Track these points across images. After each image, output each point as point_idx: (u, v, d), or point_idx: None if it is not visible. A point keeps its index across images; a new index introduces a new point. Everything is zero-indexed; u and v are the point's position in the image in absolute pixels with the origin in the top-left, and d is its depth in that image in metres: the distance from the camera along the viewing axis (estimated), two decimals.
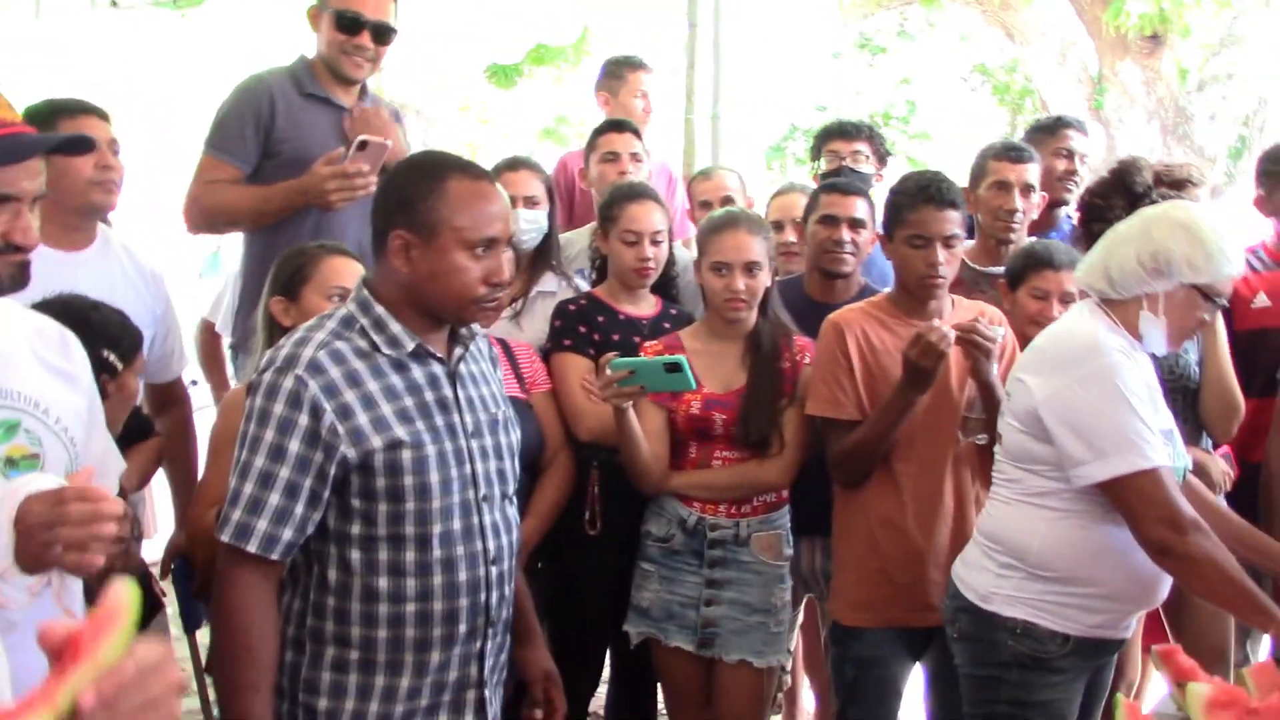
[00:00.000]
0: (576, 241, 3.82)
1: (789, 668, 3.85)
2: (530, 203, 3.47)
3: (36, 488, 1.66)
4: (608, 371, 2.91)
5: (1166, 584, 2.61)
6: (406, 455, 2.06)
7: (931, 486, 2.98)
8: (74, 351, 2.07)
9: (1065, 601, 2.55)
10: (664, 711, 3.64)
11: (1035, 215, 3.71)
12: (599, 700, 3.79)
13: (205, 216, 3.48)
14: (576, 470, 3.28)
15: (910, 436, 2.96)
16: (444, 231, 2.07)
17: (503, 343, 3.24)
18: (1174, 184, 3.48)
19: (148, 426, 3.04)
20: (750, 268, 3.07)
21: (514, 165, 3.57)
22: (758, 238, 3.10)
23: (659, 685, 3.45)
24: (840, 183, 3.64)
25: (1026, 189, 3.64)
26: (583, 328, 3.33)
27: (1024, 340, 2.91)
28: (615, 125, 4.16)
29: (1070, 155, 3.98)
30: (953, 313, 3.07)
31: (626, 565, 3.21)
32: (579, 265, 3.72)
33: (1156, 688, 3.73)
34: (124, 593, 0.98)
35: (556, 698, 2.43)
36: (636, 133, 4.08)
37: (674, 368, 2.91)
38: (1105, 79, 9.21)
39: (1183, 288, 2.51)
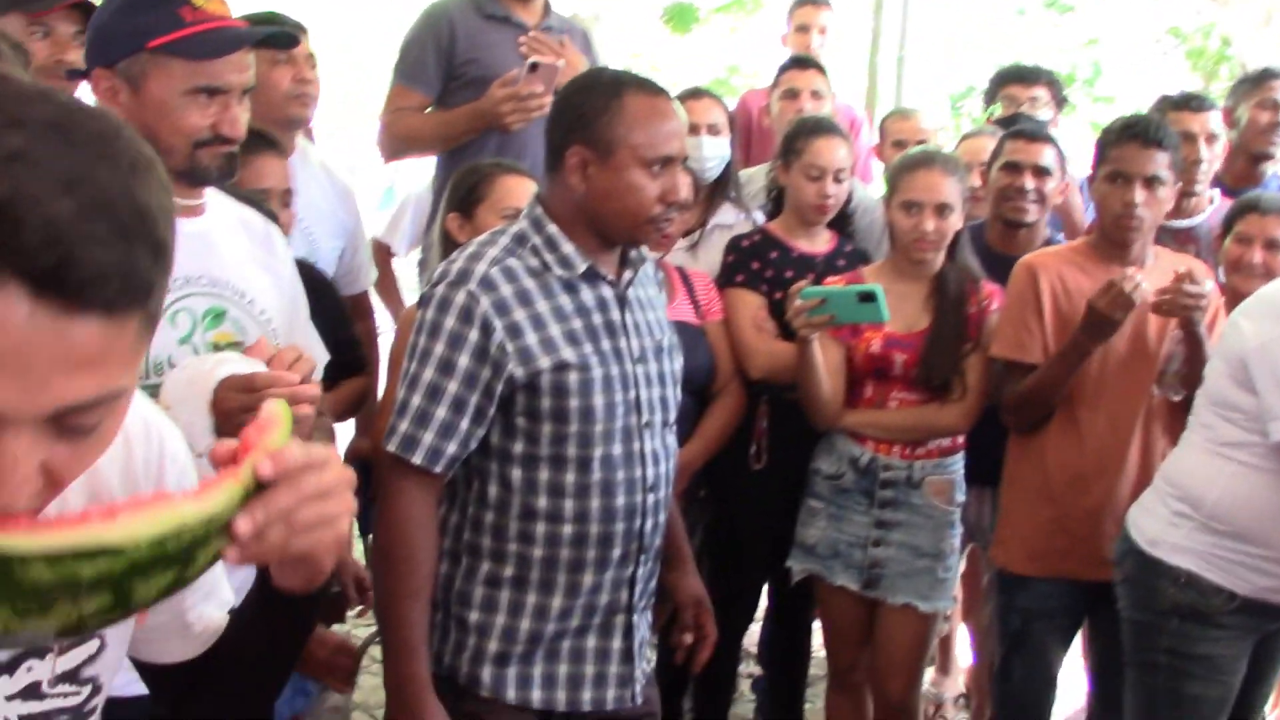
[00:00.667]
0: (756, 179, 3.78)
1: (949, 615, 3.79)
2: (713, 130, 3.44)
3: (232, 369, 1.71)
4: (798, 301, 2.88)
5: None
6: (573, 377, 2.05)
7: (1117, 438, 2.89)
8: (277, 244, 2.13)
9: (1235, 558, 2.47)
10: (816, 651, 3.65)
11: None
12: (751, 637, 3.79)
13: (395, 143, 3.55)
14: (746, 403, 3.26)
15: (1099, 385, 2.87)
16: (620, 148, 2.04)
17: (680, 270, 3.24)
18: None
19: (361, 362, 3.03)
20: (941, 209, 3.00)
21: (696, 94, 3.55)
22: (952, 179, 3.03)
23: (814, 625, 3.44)
24: (1027, 129, 3.54)
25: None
26: (755, 263, 3.30)
27: (1227, 288, 2.80)
28: (798, 62, 4.12)
29: (1275, 107, 3.80)
30: (1155, 264, 2.97)
31: (788, 503, 3.19)
32: (758, 202, 3.69)
33: None
34: (276, 407, 1.00)
35: (707, 623, 2.41)
36: (820, 69, 4.02)
37: (868, 297, 2.86)
38: None
39: None
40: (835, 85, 4.26)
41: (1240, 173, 3.84)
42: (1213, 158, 3.56)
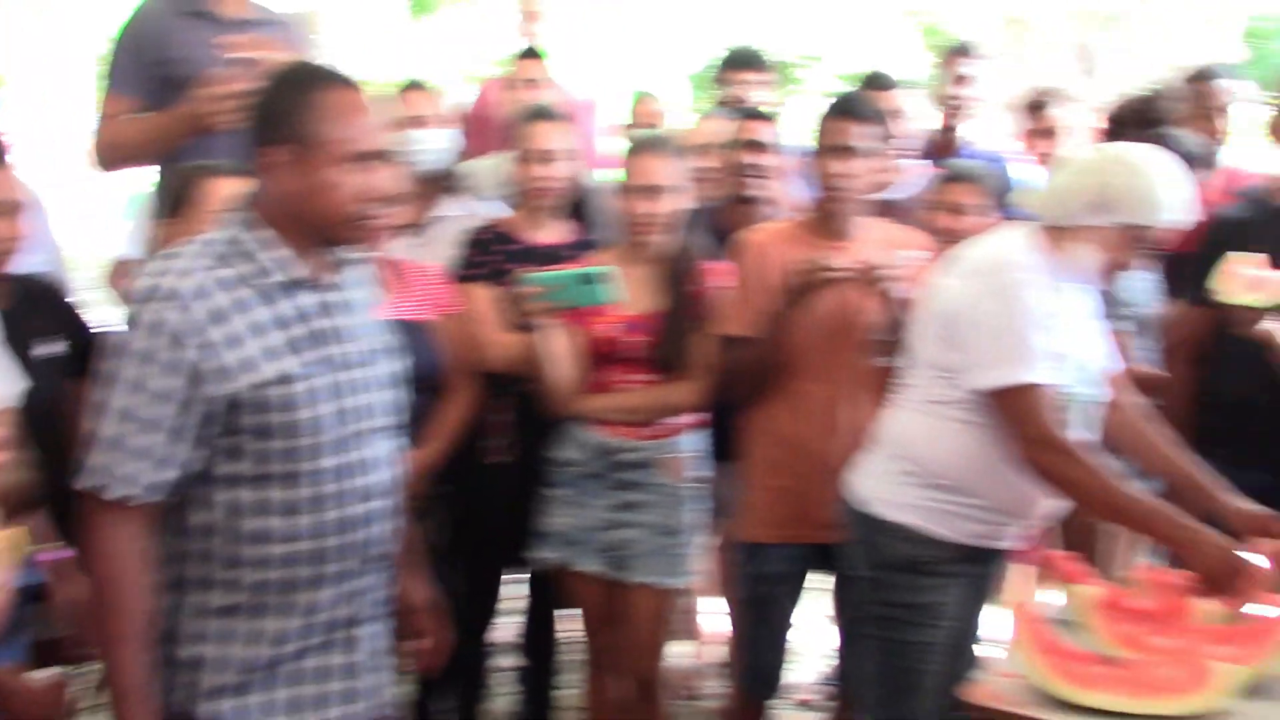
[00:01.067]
0: (486, 170, 3.77)
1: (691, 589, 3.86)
2: (428, 122, 3.42)
3: None
4: (521, 288, 2.89)
5: (1052, 503, 2.66)
6: (278, 391, 1.96)
7: (835, 406, 3.01)
8: None
9: (953, 510, 2.59)
10: (565, 640, 3.69)
11: None
12: (513, 630, 3.79)
13: (106, 151, 3.36)
14: (480, 396, 3.26)
15: (813, 356, 2.99)
16: (314, 145, 1.97)
17: (399, 264, 3.20)
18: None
19: None
20: (653, 191, 3.06)
21: (413, 86, 3.53)
22: (668, 161, 3.09)
23: (559, 615, 3.48)
24: (753, 109, 3.65)
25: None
26: (486, 256, 3.30)
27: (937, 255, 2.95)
28: (525, 53, 4.12)
29: (962, 80, 4.08)
30: (867, 235, 3.11)
31: (528, 494, 3.21)
32: (499, 194, 3.69)
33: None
34: None
35: (437, 628, 2.39)
36: (540, 56, 4.04)
37: (588, 279, 2.89)
38: None
39: (1122, 227, 2.53)
40: (569, 70, 4.29)
41: (942, 144, 4.06)
42: (901, 134, 3.74)
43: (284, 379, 1.97)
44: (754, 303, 3.01)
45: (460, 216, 3.49)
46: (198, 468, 1.97)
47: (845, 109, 3.04)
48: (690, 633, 4.27)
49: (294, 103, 1.99)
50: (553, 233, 3.37)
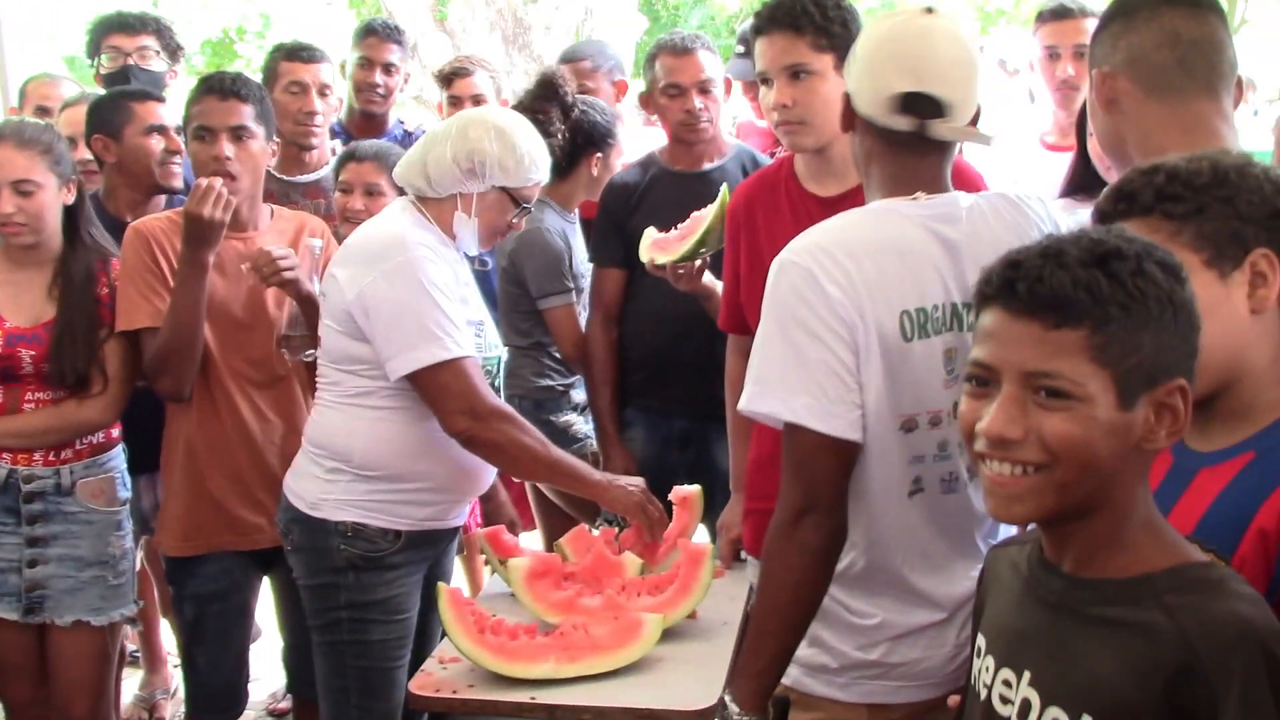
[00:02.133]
0: None
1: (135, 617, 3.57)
2: None
3: None
4: None
5: (490, 472, 2.68)
6: None
7: (254, 406, 2.86)
8: None
9: (393, 499, 2.55)
10: None
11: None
12: None
13: None
14: None
15: (227, 356, 2.82)
16: None
17: None
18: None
19: None
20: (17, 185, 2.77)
21: None
22: (24, 154, 2.77)
23: None
24: (143, 90, 3.39)
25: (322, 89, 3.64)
26: None
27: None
28: None
29: (371, 66, 3.95)
30: (272, 222, 2.95)
31: None
32: None
33: None
34: None
35: None
36: None
37: None
38: None
39: (494, 190, 2.58)
40: None
41: (359, 124, 3.97)
42: (326, 109, 3.66)
43: None
44: (160, 291, 2.79)
45: None
46: None
47: (216, 85, 2.83)
48: (150, 661, 3.98)
49: None
50: None
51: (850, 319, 1.81)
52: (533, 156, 2.59)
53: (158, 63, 3.91)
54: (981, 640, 1.44)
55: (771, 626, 1.81)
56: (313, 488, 2.58)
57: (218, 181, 2.70)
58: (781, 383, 1.81)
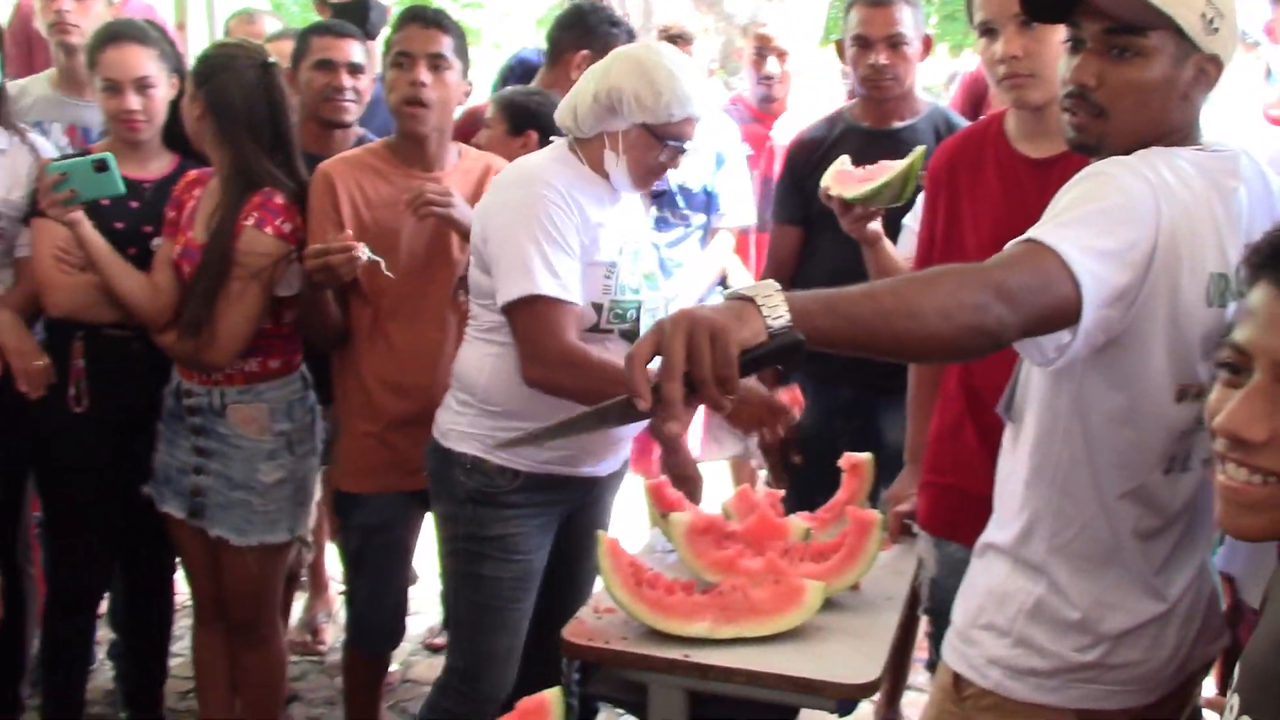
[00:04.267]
0: (32, 89, 3.36)
1: (310, 541, 3.66)
2: None
3: None
4: (44, 177, 2.68)
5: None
6: None
7: (429, 347, 2.86)
8: None
9: (507, 437, 2.50)
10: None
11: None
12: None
13: None
14: (54, 341, 2.99)
15: (403, 294, 2.83)
16: None
17: None
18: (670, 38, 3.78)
19: None
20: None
21: None
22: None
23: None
24: (332, 24, 3.44)
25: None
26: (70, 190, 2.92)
27: None
28: None
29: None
30: (458, 162, 2.95)
31: (116, 442, 2.98)
32: (36, 116, 3.28)
33: None
34: None
35: None
36: None
37: (101, 166, 2.68)
38: None
39: (635, 127, 2.51)
40: None
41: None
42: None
43: None
44: (319, 237, 2.77)
45: (8, 148, 3.07)
46: None
47: (420, 15, 2.83)
48: (315, 585, 4.09)
49: None
50: (152, 165, 3.04)
51: (1157, 242, 1.56)
52: (674, 92, 2.48)
53: None
54: (1236, 670, 1.24)
55: (890, 306, 1.43)
56: (446, 418, 2.63)
57: (363, 251, 2.67)
58: (1078, 223, 1.53)
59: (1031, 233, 1.52)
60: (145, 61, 2.93)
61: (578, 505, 2.70)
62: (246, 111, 2.78)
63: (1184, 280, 1.60)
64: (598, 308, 2.53)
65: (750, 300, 1.32)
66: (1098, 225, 1.53)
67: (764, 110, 4.22)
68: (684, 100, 2.49)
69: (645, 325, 2.54)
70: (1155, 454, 1.69)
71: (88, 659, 3.39)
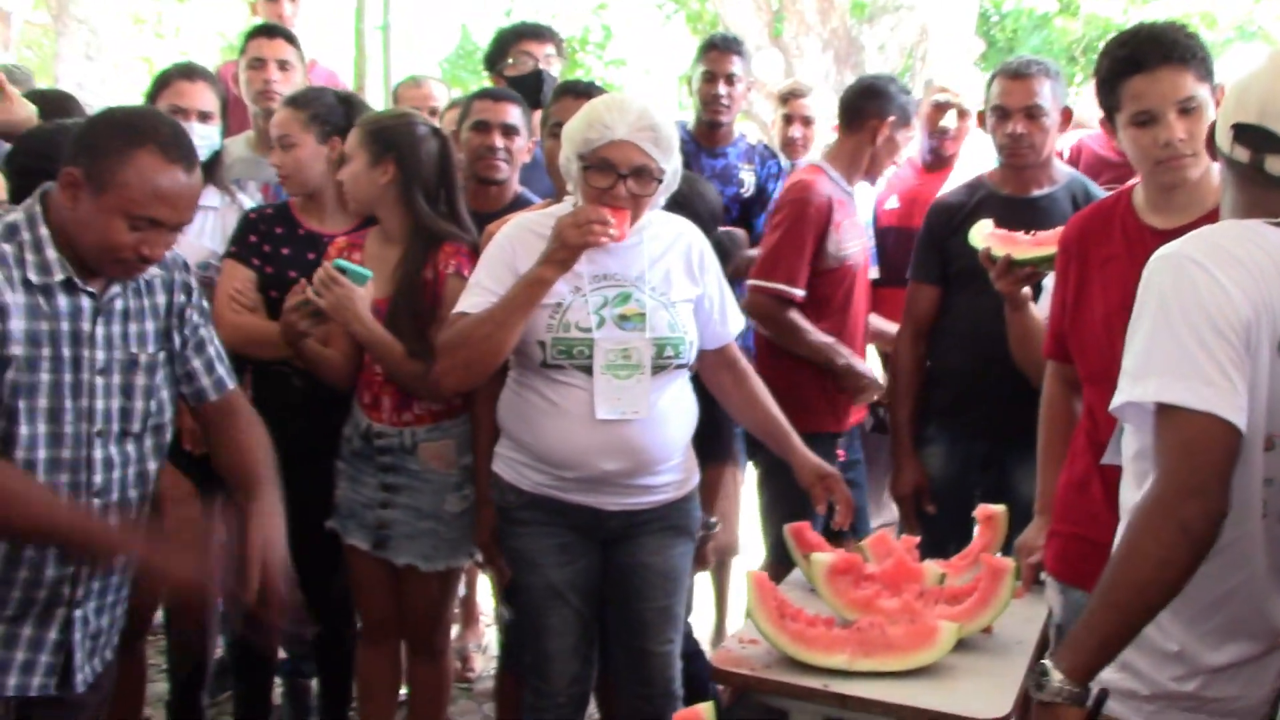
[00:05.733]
0: (232, 150, 3.70)
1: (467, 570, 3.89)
2: (203, 117, 3.34)
3: None
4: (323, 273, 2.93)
5: (588, 453, 2.67)
6: (19, 377, 2.07)
7: None
8: None
9: (515, 458, 2.77)
10: None
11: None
12: None
13: None
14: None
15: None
16: (113, 191, 2.08)
17: None
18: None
19: None
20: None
21: (190, 74, 3.40)
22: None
23: None
24: (493, 90, 3.69)
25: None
26: (253, 237, 3.24)
27: None
28: (264, 30, 4.03)
29: (714, 78, 4.09)
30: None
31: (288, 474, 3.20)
32: (235, 175, 3.61)
33: None
34: None
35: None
36: (289, 38, 3.96)
37: (341, 271, 2.93)
38: (784, 9, 9.60)
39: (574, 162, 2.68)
40: (316, 53, 4.22)
41: (705, 133, 4.15)
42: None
43: (29, 364, 2.08)
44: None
45: (220, 207, 3.41)
46: None
47: (571, 89, 3.17)
48: (466, 617, 4.32)
49: (115, 148, 2.10)
50: (334, 222, 3.30)
51: (1246, 319, 1.73)
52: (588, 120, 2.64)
53: (556, 67, 4.20)
54: None
55: (1121, 599, 1.69)
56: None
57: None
58: (1167, 369, 1.72)
59: (1169, 397, 1.71)
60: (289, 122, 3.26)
61: (610, 540, 2.80)
62: (429, 176, 3.06)
63: (1273, 338, 1.75)
64: (541, 345, 2.68)
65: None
66: (1208, 346, 1.71)
67: (931, 169, 4.23)
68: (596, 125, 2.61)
69: (600, 359, 2.66)
70: (1250, 501, 1.81)
71: (272, 668, 3.61)
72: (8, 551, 2.10)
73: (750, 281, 3.63)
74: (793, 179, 3.74)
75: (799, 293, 3.55)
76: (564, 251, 2.58)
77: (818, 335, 3.56)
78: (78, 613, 2.21)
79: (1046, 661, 1.72)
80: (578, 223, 2.56)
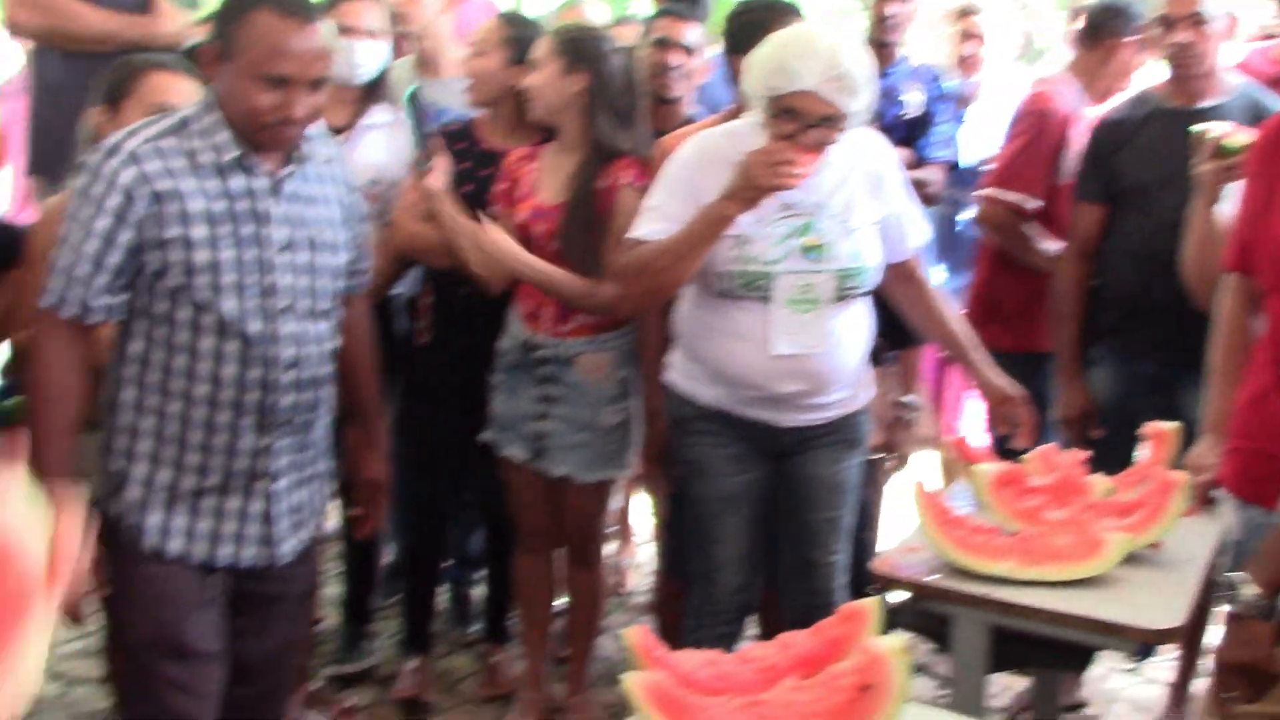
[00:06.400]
0: (395, 73, 3.77)
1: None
2: (368, 34, 3.41)
3: None
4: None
5: (766, 376, 2.69)
6: (201, 254, 2.18)
7: None
8: None
9: (692, 371, 2.79)
10: None
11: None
12: None
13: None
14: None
15: None
16: (240, 57, 2.16)
17: None
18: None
19: None
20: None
21: None
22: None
23: None
24: (676, 7, 3.67)
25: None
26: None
27: None
28: None
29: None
30: None
31: (459, 378, 3.33)
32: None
33: None
34: None
35: (375, 505, 2.69)
36: None
37: None
38: None
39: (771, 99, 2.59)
40: None
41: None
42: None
43: (210, 242, 2.18)
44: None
45: (389, 124, 3.50)
46: (126, 300, 2.21)
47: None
48: (621, 533, 4.40)
49: (236, 11, 2.18)
50: (514, 140, 3.33)
51: None
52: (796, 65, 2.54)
53: None
54: None
55: None
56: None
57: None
58: None
59: None
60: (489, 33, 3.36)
61: (783, 453, 2.81)
62: (618, 90, 3.11)
63: None
64: (721, 275, 2.66)
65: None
66: None
67: None
68: (805, 75, 2.53)
69: (780, 294, 2.65)
70: None
71: (437, 575, 3.70)
72: (207, 417, 2.22)
73: (985, 191, 3.60)
74: (1035, 89, 3.72)
75: (1037, 203, 3.51)
76: (752, 191, 2.55)
77: (1054, 248, 3.53)
78: (274, 485, 2.32)
79: (1237, 575, 1.70)
80: (769, 162, 2.51)
